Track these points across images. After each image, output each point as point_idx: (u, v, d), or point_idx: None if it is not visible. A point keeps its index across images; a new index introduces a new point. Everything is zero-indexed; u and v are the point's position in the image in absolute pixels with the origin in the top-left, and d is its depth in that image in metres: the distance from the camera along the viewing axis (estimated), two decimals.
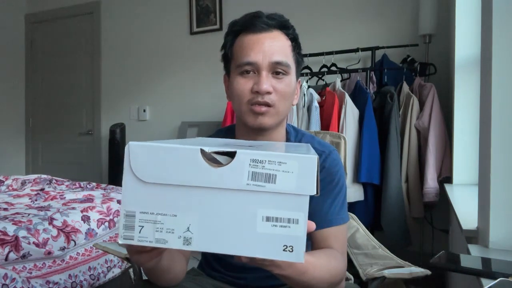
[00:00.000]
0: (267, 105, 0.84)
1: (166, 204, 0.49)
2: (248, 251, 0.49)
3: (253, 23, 0.85)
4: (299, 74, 0.94)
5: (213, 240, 0.49)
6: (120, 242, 0.49)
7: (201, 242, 0.49)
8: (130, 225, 0.49)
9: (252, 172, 0.48)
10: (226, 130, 1.01)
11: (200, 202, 0.49)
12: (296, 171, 0.48)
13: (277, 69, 0.85)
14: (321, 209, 0.86)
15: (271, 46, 0.84)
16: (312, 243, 0.87)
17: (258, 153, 0.48)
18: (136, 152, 0.48)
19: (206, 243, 0.49)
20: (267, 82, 0.84)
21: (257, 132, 0.89)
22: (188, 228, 0.48)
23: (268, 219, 0.48)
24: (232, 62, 0.89)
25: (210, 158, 0.49)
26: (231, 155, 0.48)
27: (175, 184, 0.48)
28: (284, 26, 0.87)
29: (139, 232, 0.49)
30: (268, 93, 0.84)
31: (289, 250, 0.48)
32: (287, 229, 0.48)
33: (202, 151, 0.48)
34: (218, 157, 0.49)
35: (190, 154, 0.48)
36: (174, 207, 0.49)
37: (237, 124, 0.96)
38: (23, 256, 1.29)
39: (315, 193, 0.48)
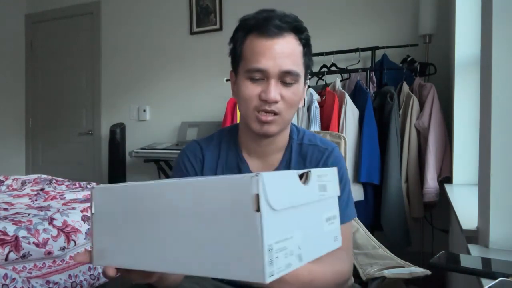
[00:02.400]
0: (274, 113, 0.85)
1: (288, 227, 0.50)
2: (322, 250, 0.57)
3: (266, 25, 0.83)
4: (307, 77, 0.94)
5: (309, 250, 0.54)
6: (267, 281, 0.45)
7: (305, 255, 0.53)
8: (272, 260, 0.46)
9: (318, 185, 0.58)
10: (228, 131, 1.01)
11: (301, 218, 0.54)
12: (331, 179, 0.62)
13: (286, 78, 0.84)
14: None
15: (283, 54, 0.82)
16: None
17: (319, 170, 0.58)
18: (269, 182, 0.47)
19: (307, 255, 0.53)
20: (275, 90, 0.83)
21: (261, 137, 0.90)
22: (299, 245, 0.51)
23: (327, 219, 0.59)
24: (241, 63, 0.87)
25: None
26: (303, 174, 0.56)
27: (294, 205, 0.52)
28: (297, 29, 0.85)
29: (277, 264, 0.46)
30: (275, 101, 0.83)
31: (335, 240, 0.61)
32: (333, 224, 0.61)
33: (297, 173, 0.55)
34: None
35: (293, 178, 0.54)
36: (291, 229, 0.51)
37: (241, 126, 0.96)
38: (23, 256, 1.29)
39: (339, 193, 0.65)
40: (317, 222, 0.57)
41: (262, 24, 0.83)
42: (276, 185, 0.49)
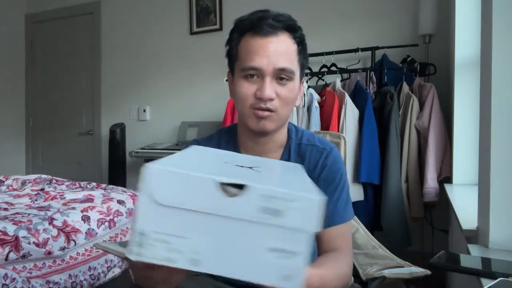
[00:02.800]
0: (269, 110, 0.85)
1: (178, 226, 0.51)
2: (250, 276, 0.51)
3: (260, 25, 0.84)
4: (303, 75, 0.94)
5: (220, 264, 0.51)
6: (132, 258, 0.50)
7: (209, 265, 0.51)
8: (143, 243, 0.50)
9: (263, 206, 0.50)
10: (227, 130, 1.02)
11: (211, 228, 0.51)
12: (302, 208, 0.51)
13: (281, 75, 0.85)
14: (327, 208, 0.87)
15: (276, 52, 0.84)
16: (320, 242, 0.89)
17: (270, 189, 0.51)
18: (153, 175, 0.50)
19: (213, 266, 0.51)
20: (270, 88, 0.84)
21: (259, 134, 0.90)
22: (197, 250, 0.51)
23: (272, 249, 0.51)
24: (236, 63, 0.89)
25: (223, 188, 0.51)
26: (243, 186, 0.51)
27: (189, 209, 0.50)
28: (291, 28, 0.86)
29: (151, 250, 0.50)
30: (271, 99, 0.84)
31: (288, 279, 0.51)
32: (289, 260, 0.51)
33: (217, 180, 0.51)
34: (231, 188, 0.51)
35: (205, 183, 0.51)
36: (186, 230, 0.51)
37: (239, 125, 0.97)
38: (23, 256, 1.29)
39: (317, 230, 0.52)
40: (248, 245, 0.51)
41: (256, 24, 0.85)
42: (170, 182, 0.50)
